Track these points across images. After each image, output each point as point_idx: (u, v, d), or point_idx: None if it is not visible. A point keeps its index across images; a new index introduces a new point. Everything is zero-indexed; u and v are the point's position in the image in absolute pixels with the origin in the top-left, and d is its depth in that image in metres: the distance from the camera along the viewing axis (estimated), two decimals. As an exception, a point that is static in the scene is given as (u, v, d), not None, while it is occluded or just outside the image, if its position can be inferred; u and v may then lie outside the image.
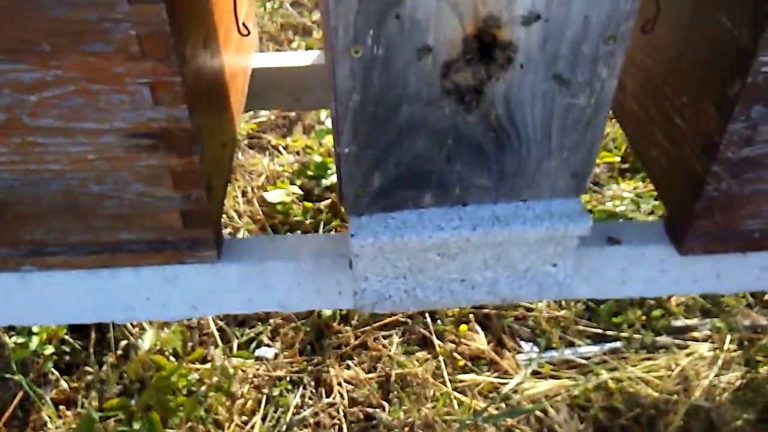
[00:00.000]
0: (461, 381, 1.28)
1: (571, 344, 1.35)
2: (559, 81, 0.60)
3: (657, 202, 1.53)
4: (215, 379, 1.25)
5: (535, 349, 1.34)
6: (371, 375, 1.30)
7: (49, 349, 1.30)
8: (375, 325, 1.37)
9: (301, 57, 1.21)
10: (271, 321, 1.39)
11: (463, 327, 1.36)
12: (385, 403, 1.25)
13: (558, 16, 0.56)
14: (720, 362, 1.28)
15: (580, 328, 1.37)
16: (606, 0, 0.55)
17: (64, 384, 1.28)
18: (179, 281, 0.79)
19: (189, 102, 0.66)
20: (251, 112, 1.84)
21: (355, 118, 0.61)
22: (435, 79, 0.60)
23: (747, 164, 0.72)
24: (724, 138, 0.69)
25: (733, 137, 0.69)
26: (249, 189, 1.64)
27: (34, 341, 1.29)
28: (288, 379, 1.29)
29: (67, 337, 1.32)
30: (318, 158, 1.68)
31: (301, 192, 1.59)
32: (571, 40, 0.58)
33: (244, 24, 0.85)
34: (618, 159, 1.68)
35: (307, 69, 1.19)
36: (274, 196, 1.54)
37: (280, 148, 1.79)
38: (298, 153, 1.76)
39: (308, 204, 1.55)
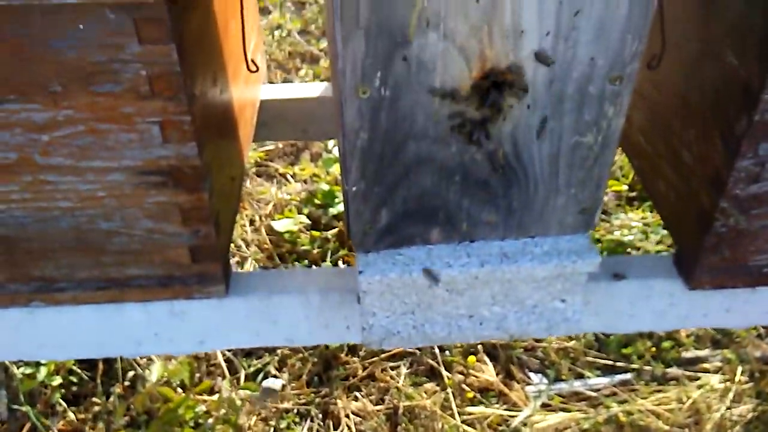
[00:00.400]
0: (470, 413, 1.27)
1: (580, 376, 1.34)
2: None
3: (666, 232, 1.52)
4: (222, 411, 1.24)
5: (545, 380, 1.33)
6: (379, 407, 1.29)
7: (57, 380, 1.29)
8: (383, 356, 1.37)
9: (309, 89, 1.22)
10: (279, 352, 1.38)
11: (472, 358, 1.35)
12: (393, 436, 1.24)
13: (564, 58, 0.56)
14: (731, 395, 1.27)
15: (590, 359, 1.36)
16: (612, 42, 0.56)
17: (71, 415, 1.27)
18: (187, 316, 0.79)
19: (198, 140, 0.66)
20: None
21: (362, 157, 0.61)
22: (442, 118, 0.60)
23: (755, 200, 0.71)
24: (732, 175, 0.69)
25: (741, 174, 0.69)
26: (257, 217, 1.65)
27: (42, 372, 1.29)
28: (295, 411, 1.29)
29: (74, 367, 1.32)
30: (325, 186, 1.68)
31: (308, 221, 1.59)
32: (578, 81, 0.58)
33: (252, 60, 0.86)
34: (626, 187, 1.68)
35: (314, 101, 1.20)
36: (281, 225, 1.54)
37: (288, 176, 1.80)
38: (305, 181, 1.77)
39: (316, 233, 1.56)
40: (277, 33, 2.48)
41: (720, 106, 0.71)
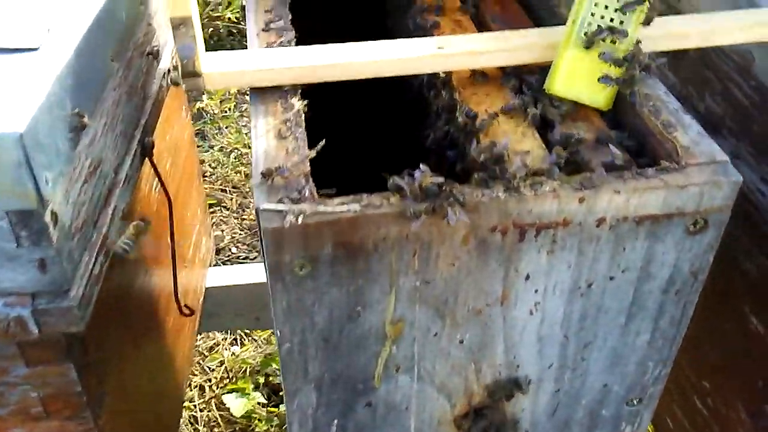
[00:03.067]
0: None
1: None
2: None
3: None
4: None
5: None
6: None
7: None
8: None
9: (260, 271, 1.09)
10: None
11: None
12: None
13: (572, 386, 0.45)
14: None
15: None
16: (629, 370, 0.44)
17: None
18: None
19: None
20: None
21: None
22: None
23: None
24: (761, 451, 0.58)
25: (771, 450, 0.57)
26: (206, 387, 1.48)
27: None
28: None
29: None
30: (284, 346, 1.53)
31: (264, 398, 1.43)
32: (588, 406, 0.46)
33: (186, 305, 0.73)
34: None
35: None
36: (235, 406, 1.38)
37: (242, 334, 1.65)
38: (262, 341, 1.62)
39: (273, 409, 1.40)
40: (233, 155, 2.37)
41: (743, 372, 0.60)
